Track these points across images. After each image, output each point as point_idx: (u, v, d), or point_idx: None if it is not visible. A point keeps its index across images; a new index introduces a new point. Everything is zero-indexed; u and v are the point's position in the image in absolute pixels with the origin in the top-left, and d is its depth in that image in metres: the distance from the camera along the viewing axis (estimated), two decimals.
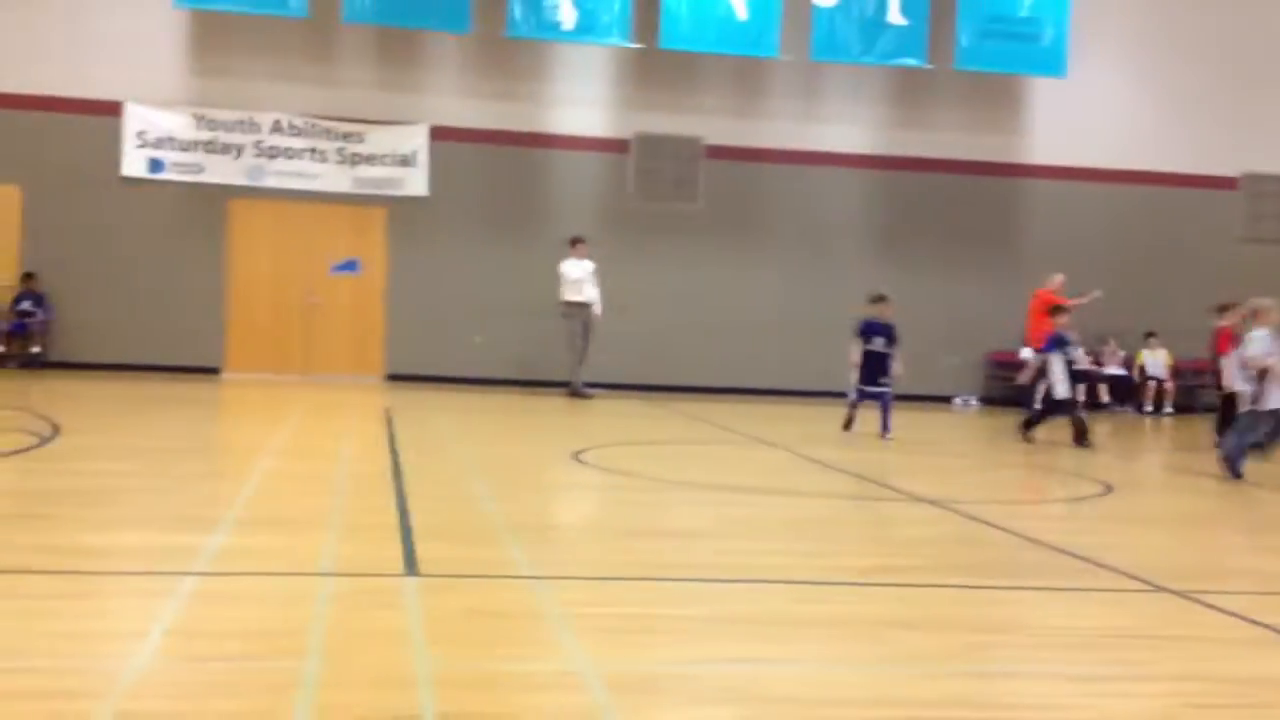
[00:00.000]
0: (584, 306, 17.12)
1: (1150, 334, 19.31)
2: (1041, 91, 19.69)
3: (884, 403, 13.36)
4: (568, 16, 18.11)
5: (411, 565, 5.86)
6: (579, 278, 17.13)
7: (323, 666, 4.22)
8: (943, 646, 5.00)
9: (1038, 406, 14.39)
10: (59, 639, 4.47)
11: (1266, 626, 5.48)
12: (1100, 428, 16.93)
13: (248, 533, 6.66)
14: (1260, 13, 20.12)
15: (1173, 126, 20.09)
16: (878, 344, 13.45)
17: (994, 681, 4.66)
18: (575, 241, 17.28)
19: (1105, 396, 19.19)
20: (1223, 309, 14.04)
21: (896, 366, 13.39)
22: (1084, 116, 19.77)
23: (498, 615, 5.09)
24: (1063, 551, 7.16)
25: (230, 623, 4.76)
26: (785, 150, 19.53)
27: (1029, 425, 13.81)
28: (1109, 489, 10.31)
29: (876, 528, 8.07)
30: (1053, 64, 18.95)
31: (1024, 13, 18.76)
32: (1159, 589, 6.22)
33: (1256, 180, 20.14)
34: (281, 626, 4.72)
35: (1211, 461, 12.51)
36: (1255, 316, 10.66)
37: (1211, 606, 5.87)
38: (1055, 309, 14.07)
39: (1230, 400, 13.35)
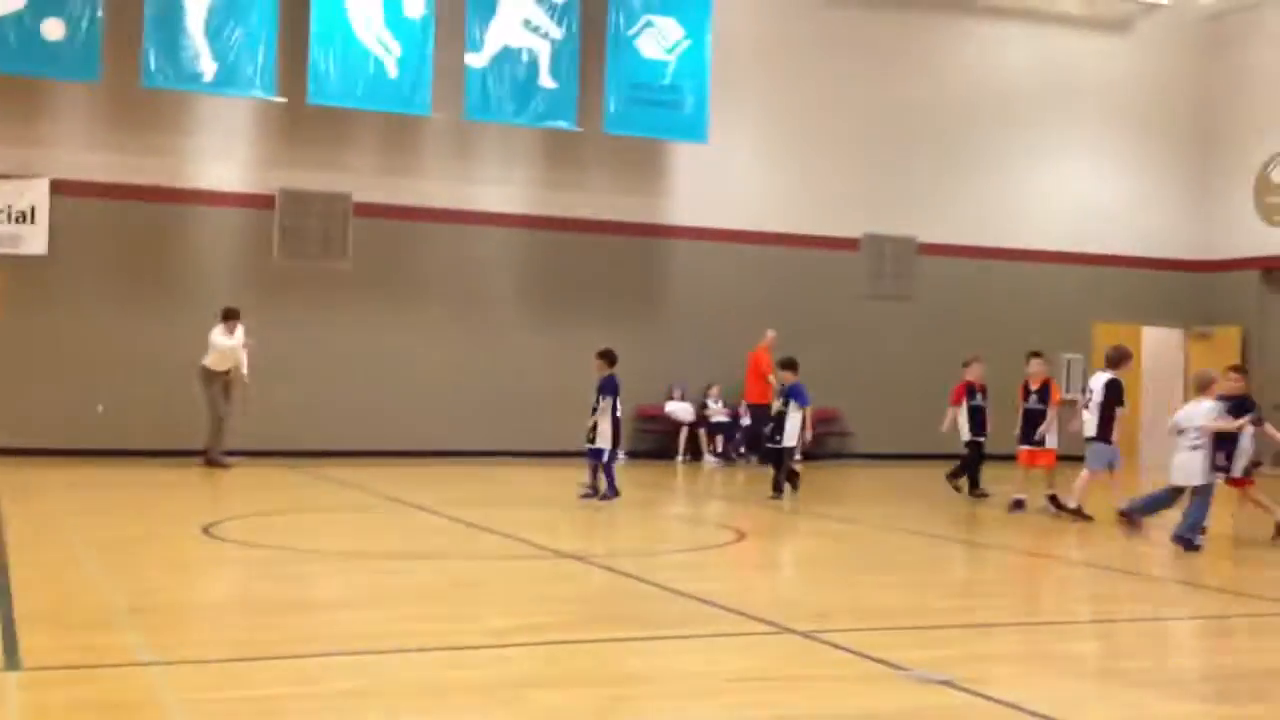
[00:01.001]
0: (224, 372, 16.36)
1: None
2: (684, 156, 20.53)
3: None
4: (208, 67, 17.44)
5: (11, 657, 5.37)
6: (226, 345, 16.35)
7: None
8: (582, 703, 5.04)
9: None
10: None
11: (880, 661, 5.81)
12: (738, 477, 17.68)
13: None
14: (880, 86, 21.77)
15: (802, 191, 21.37)
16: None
17: None
18: (227, 316, 16.50)
19: (743, 447, 20.08)
20: (967, 363, 14.89)
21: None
22: (724, 181, 20.75)
23: (109, 708, 4.73)
24: (698, 599, 7.38)
25: None
26: (439, 209, 19.47)
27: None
28: (743, 535, 10.75)
29: (520, 587, 8.06)
30: (694, 131, 19.81)
31: (667, 81, 19.54)
32: (785, 630, 6.50)
33: (876, 241, 21.72)
34: None
35: (837, 504, 13.26)
36: (1205, 388, 10.59)
37: (833, 645, 6.18)
38: (785, 362, 14.62)
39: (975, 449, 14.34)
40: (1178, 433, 10.30)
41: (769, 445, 14.23)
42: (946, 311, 21.79)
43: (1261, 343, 22.19)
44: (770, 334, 19.19)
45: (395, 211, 19.24)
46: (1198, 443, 10.12)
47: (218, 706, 4.80)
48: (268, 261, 18.66)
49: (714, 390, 20.29)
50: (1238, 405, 10.73)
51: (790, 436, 13.81)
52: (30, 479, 14.00)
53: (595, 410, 12.67)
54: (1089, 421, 12.19)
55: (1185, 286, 23.34)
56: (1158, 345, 23.33)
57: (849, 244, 21.56)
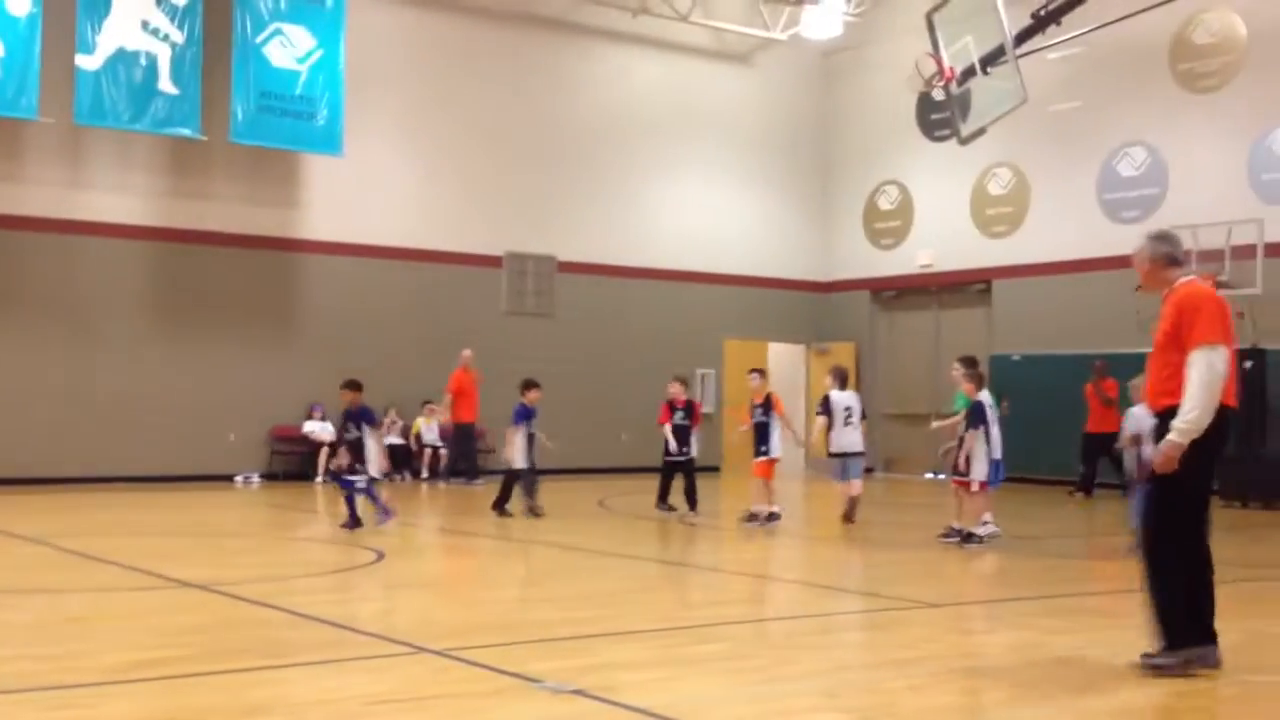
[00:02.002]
0: None
1: (426, 402, 20.14)
2: (320, 168, 19.96)
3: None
4: None
5: None
6: None
7: None
8: None
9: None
10: None
11: (514, 675, 5.79)
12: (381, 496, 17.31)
13: None
14: (520, 105, 21.99)
15: (443, 206, 21.27)
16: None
17: None
18: None
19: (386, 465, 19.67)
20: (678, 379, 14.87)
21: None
22: (361, 195, 20.34)
23: None
24: (330, 624, 7.14)
25: None
26: (48, 219, 18.09)
27: (502, 502, 13.99)
28: (381, 556, 10.52)
29: (140, 620, 7.54)
30: (328, 143, 19.30)
31: (299, 91, 18.94)
32: (420, 650, 6.38)
33: (517, 259, 21.90)
34: None
35: (480, 521, 13.22)
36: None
37: (469, 662, 6.11)
38: (526, 383, 14.18)
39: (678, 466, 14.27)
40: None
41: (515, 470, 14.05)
42: (587, 328, 22.25)
43: (872, 357, 23.92)
44: (466, 352, 19.19)
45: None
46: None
47: None
48: None
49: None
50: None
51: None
52: None
53: (344, 441, 12.30)
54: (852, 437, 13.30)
55: (806, 305, 24.86)
56: (781, 360, 24.70)
57: (491, 261, 21.64)
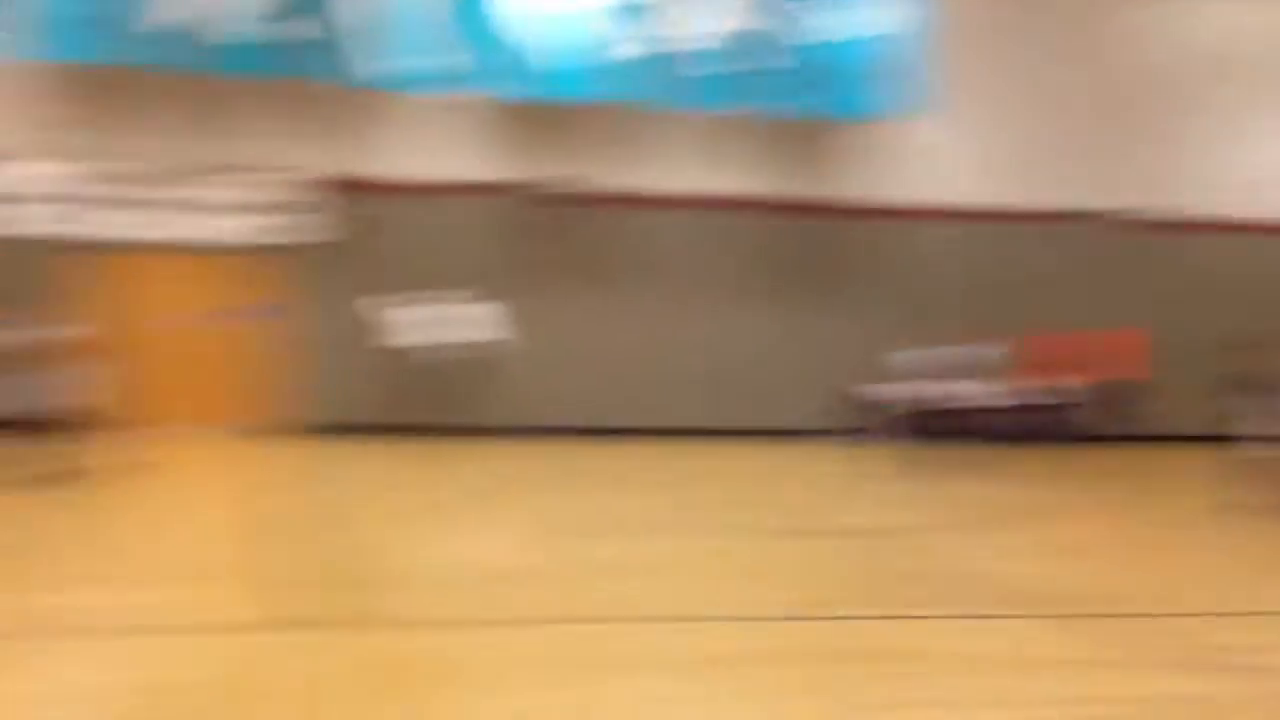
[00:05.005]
0: None
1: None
2: (907, 133, 19.60)
3: None
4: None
5: None
6: None
7: None
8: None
9: None
10: None
11: None
12: None
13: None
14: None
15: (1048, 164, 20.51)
16: None
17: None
18: None
19: None
20: None
21: None
22: (953, 157, 20.04)
23: None
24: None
25: None
26: (674, 196, 19.27)
27: None
28: None
29: (802, 569, 8.52)
30: (918, 106, 18.90)
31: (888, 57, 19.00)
32: None
33: None
34: None
35: None
36: None
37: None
38: None
39: None
40: None
41: None
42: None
43: None
44: None
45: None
46: None
47: None
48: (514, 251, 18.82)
49: None
50: None
51: None
52: None
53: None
54: None
55: None
56: None
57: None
